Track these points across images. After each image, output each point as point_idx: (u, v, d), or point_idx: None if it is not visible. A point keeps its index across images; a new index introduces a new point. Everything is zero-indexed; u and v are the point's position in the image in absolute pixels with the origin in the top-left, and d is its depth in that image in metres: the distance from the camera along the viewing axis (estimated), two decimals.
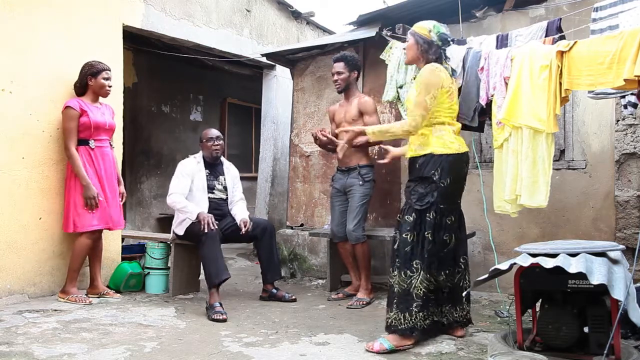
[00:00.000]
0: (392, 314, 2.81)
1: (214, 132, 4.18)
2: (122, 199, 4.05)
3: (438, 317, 2.93)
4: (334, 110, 4.25)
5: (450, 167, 2.87)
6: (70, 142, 3.73)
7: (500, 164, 3.19)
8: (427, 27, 2.97)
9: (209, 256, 3.64)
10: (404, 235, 2.84)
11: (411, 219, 2.85)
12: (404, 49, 3.11)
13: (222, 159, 4.25)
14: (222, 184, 4.16)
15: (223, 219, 4.07)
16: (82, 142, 3.79)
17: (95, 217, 3.74)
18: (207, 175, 4.08)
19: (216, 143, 4.10)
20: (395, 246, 2.88)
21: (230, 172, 4.24)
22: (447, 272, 2.95)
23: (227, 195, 4.17)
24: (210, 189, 4.07)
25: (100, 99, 3.96)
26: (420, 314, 2.79)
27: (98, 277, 3.95)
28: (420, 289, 2.80)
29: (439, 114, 2.89)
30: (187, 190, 3.97)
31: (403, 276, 2.81)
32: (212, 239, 3.67)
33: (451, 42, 3.04)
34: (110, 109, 4.05)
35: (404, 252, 2.82)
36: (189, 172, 4.02)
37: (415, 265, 2.81)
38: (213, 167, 4.15)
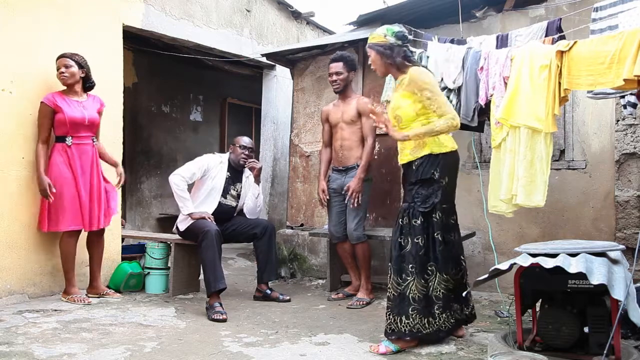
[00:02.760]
0: (409, 320, 2.74)
1: (248, 141, 4.16)
2: (120, 180, 3.99)
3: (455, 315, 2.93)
4: (328, 110, 4.21)
5: (447, 165, 2.87)
6: (39, 137, 3.67)
7: (497, 163, 3.19)
8: (381, 34, 2.93)
9: (206, 263, 3.64)
10: (415, 240, 2.80)
11: (419, 222, 2.81)
12: (370, 64, 3.03)
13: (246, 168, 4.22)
14: (237, 191, 4.15)
15: (227, 222, 4.08)
16: (59, 139, 3.72)
17: (67, 217, 3.66)
18: (227, 178, 4.08)
19: (245, 153, 4.10)
20: (405, 251, 2.81)
21: (249, 181, 4.23)
22: (454, 271, 2.94)
23: (237, 203, 4.17)
24: (225, 192, 4.07)
25: (92, 92, 3.91)
26: (444, 315, 2.78)
27: (98, 277, 3.94)
28: (439, 291, 2.79)
29: (430, 115, 2.85)
30: (192, 181, 3.98)
31: (422, 281, 2.78)
32: (211, 242, 3.66)
33: (409, 37, 2.97)
34: (98, 102, 3.90)
35: (419, 256, 2.78)
36: (206, 167, 4.02)
37: (430, 268, 2.80)
38: (234, 172, 4.15)
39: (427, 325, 2.75)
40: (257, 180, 4.22)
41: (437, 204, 2.83)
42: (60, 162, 3.69)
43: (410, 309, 2.76)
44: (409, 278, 2.78)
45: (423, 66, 3.06)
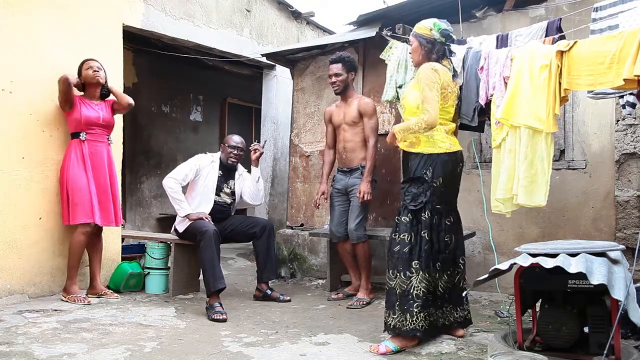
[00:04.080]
0: (395, 315, 2.80)
1: (238, 140, 4.17)
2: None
3: (439, 318, 2.93)
4: (330, 111, 4.23)
5: (441, 166, 2.87)
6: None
7: (498, 163, 3.19)
8: (427, 27, 2.98)
9: (205, 264, 3.64)
10: (402, 236, 2.84)
11: (407, 219, 2.85)
12: (410, 52, 3.10)
13: (238, 165, 4.23)
14: (230, 188, 4.17)
15: (224, 220, 4.08)
16: (74, 135, 3.81)
17: (80, 211, 3.70)
18: (219, 177, 4.09)
19: (235, 152, 4.11)
20: (396, 248, 2.86)
21: (242, 177, 4.24)
22: (449, 273, 2.95)
23: (232, 199, 4.18)
24: (218, 190, 4.08)
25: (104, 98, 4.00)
26: (421, 314, 2.78)
27: (97, 277, 3.94)
28: (420, 289, 2.79)
29: None
30: (185, 183, 4.00)
31: (403, 277, 2.81)
32: (209, 243, 3.66)
33: (454, 37, 3.04)
34: (110, 103, 4.01)
35: (403, 252, 2.82)
36: (199, 167, 4.04)
37: (414, 266, 2.81)
38: (226, 170, 4.16)
39: (404, 322, 2.78)
40: (256, 163, 4.23)
41: (427, 203, 2.84)
42: (75, 158, 3.77)
43: (396, 305, 2.81)
44: (397, 274, 2.83)
45: (453, 68, 3.08)
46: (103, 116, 3.90)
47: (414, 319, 2.77)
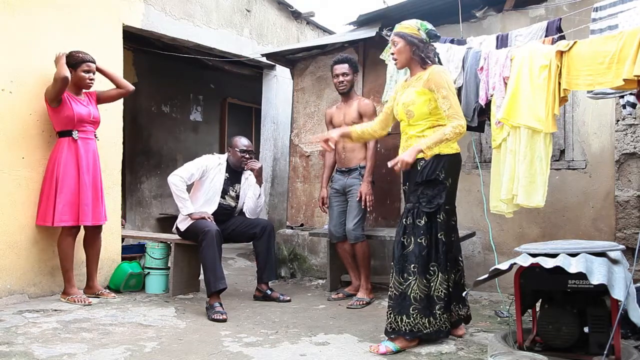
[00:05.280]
0: (410, 320, 2.75)
1: (247, 143, 4.14)
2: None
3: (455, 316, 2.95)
4: (331, 113, 4.25)
5: (452, 166, 2.89)
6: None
7: (497, 163, 3.19)
8: (414, 26, 2.91)
9: (207, 263, 3.64)
10: (419, 240, 2.80)
11: (422, 222, 2.82)
12: (392, 54, 2.97)
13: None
14: (235, 192, 4.16)
15: (227, 221, 4.08)
16: (65, 133, 3.72)
17: (66, 213, 3.66)
18: (225, 179, 4.09)
19: (247, 156, 4.10)
20: (408, 251, 2.82)
21: (249, 181, 4.23)
22: (454, 271, 2.96)
23: (236, 203, 4.18)
24: (224, 193, 4.08)
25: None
26: (444, 315, 2.80)
27: (94, 276, 3.92)
28: (441, 291, 2.80)
29: (441, 117, 2.86)
30: (191, 182, 3.98)
31: (424, 281, 2.79)
32: (211, 242, 3.66)
33: (438, 37, 3.00)
34: (94, 96, 3.95)
35: (422, 256, 2.79)
36: (206, 167, 4.02)
37: (432, 269, 2.81)
38: (233, 173, 4.15)
39: (427, 325, 2.77)
40: (259, 180, 4.19)
41: (442, 204, 2.84)
42: (66, 157, 3.69)
43: (411, 309, 2.77)
44: (410, 277, 2.79)
45: None
46: (92, 113, 3.83)
47: (437, 321, 2.78)
